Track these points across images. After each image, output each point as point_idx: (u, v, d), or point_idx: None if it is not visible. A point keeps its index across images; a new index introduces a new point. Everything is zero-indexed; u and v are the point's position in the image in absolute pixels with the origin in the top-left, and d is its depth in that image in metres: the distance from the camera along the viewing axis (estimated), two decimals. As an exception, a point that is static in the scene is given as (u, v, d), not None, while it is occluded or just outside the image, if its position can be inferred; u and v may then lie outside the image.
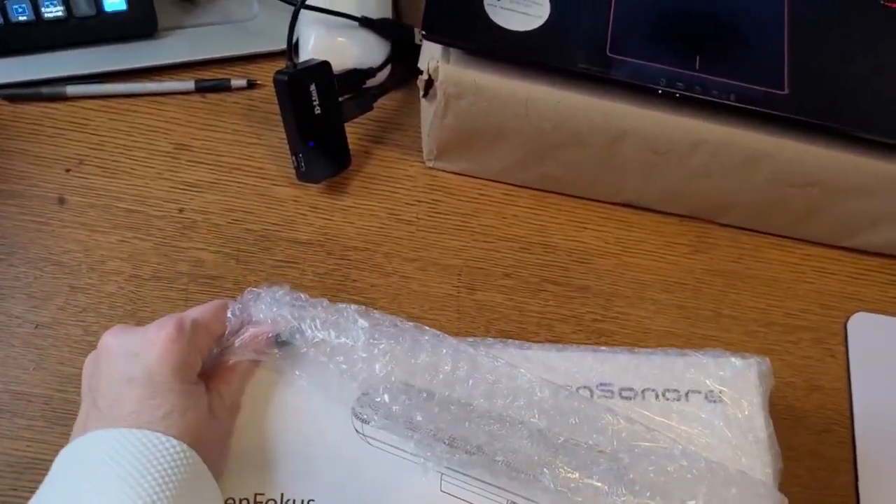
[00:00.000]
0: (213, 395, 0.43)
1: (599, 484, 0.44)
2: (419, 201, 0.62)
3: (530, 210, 0.63)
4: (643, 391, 0.49)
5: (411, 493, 0.46)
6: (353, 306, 0.47)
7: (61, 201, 0.58)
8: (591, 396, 0.48)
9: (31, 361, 0.53)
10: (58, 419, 0.52)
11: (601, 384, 0.49)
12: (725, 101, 0.53)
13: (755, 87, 0.54)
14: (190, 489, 0.39)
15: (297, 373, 0.47)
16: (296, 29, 0.61)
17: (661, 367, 0.50)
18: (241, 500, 0.45)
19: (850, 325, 0.62)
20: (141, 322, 0.54)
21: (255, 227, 0.59)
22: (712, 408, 0.49)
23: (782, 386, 0.59)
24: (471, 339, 0.48)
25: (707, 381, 0.50)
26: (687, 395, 0.49)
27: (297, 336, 0.46)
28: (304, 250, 0.59)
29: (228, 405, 0.45)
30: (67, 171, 0.59)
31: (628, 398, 0.49)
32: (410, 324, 0.47)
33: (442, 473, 0.46)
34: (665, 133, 0.55)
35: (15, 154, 0.59)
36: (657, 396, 0.49)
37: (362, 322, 0.47)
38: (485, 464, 0.45)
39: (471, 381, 0.46)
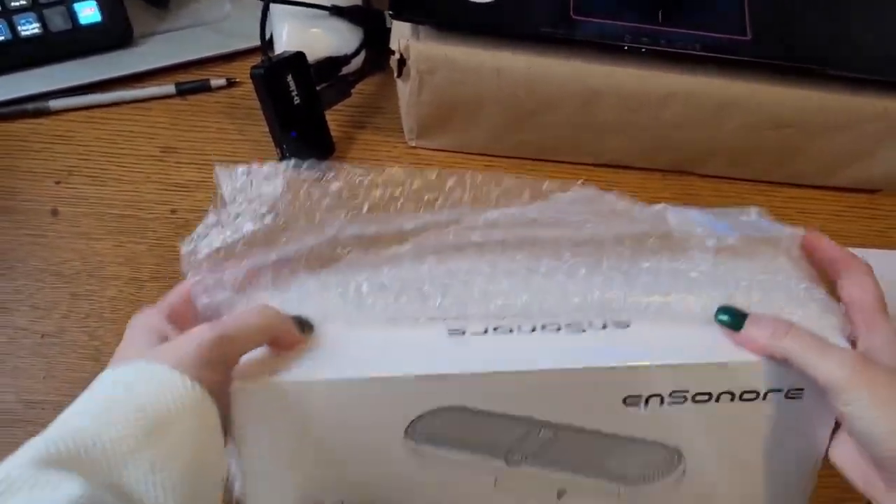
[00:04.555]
0: None
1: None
2: (405, 181, 0.63)
3: (514, 179, 0.64)
4: None
5: (467, 496, 0.45)
6: None
7: (54, 213, 0.59)
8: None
9: (40, 370, 0.55)
10: (72, 423, 0.53)
11: None
12: (691, 52, 0.54)
13: (718, 35, 0.55)
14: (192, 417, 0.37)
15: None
16: (268, 24, 0.62)
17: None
18: None
19: (837, 262, 0.63)
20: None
21: (247, 221, 0.60)
22: None
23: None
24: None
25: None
26: None
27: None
28: (297, 239, 0.60)
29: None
30: (58, 183, 0.60)
31: None
32: None
33: (496, 477, 0.45)
34: (635, 89, 0.56)
35: (4, 171, 0.60)
36: None
37: None
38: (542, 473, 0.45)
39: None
